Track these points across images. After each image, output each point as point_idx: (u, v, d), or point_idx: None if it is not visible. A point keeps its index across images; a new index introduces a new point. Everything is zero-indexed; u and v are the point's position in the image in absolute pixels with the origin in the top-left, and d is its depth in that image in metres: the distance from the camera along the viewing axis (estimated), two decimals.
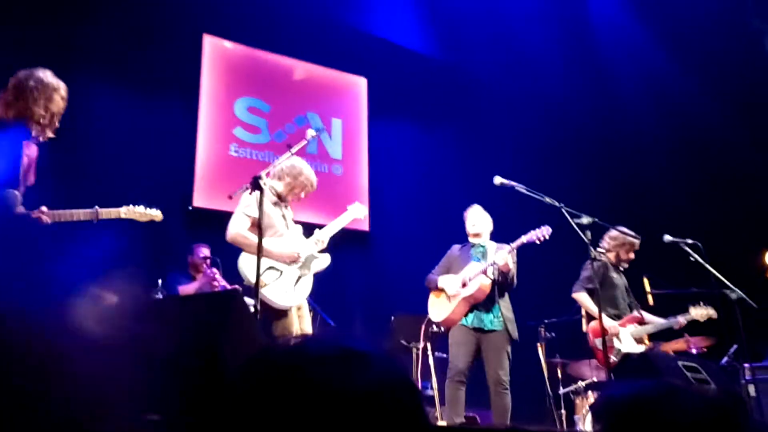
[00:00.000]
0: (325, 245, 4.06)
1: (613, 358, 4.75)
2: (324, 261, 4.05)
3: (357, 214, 4.40)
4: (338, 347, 0.64)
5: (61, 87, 3.38)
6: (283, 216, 4.03)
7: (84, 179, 5.82)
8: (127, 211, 3.59)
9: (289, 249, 3.89)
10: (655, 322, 5.02)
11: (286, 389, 0.59)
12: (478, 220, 4.81)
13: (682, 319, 4.99)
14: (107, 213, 3.47)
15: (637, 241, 5.12)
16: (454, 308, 4.50)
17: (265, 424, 0.59)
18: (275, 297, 3.74)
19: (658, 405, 0.80)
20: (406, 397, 0.63)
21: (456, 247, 4.87)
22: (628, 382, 0.87)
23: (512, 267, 4.49)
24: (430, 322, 4.91)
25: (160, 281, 4.77)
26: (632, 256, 5.17)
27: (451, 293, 4.53)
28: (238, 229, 3.82)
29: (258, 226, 3.31)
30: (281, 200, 4.06)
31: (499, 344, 4.41)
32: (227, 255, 5.69)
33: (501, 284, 4.51)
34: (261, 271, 3.68)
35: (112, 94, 6.30)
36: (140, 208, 3.66)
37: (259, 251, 3.26)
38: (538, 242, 4.48)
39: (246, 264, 3.79)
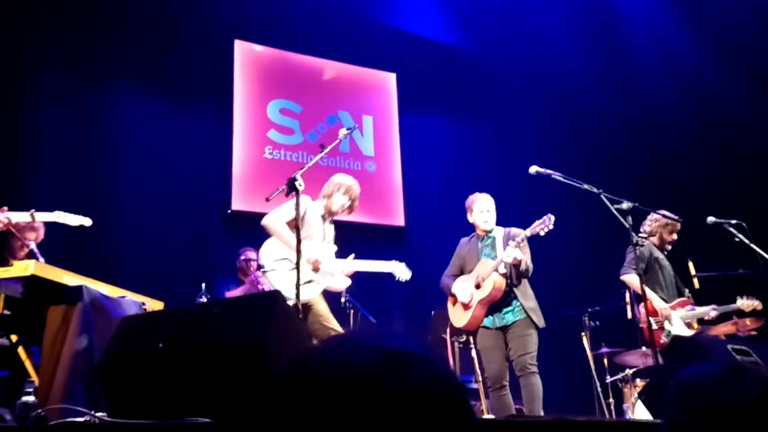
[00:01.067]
0: (350, 273, 4.18)
1: (663, 339, 4.67)
2: (340, 283, 4.16)
3: (396, 271, 4.44)
4: (383, 347, 0.63)
5: None
6: (324, 231, 4.19)
7: (123, 187, 5.96)
8: (59, 216, 3.79)
9: (312, 253, 4.02)
10: (696, 309, 4.91)
11: (331, 392, 0.59)
12: (491, 215, 4.52)
13: (713, 312, 4.87)
14: (43, 216, 3.68)
15: (678, 223, 5.00)
16: (473, 312, 4.34)
17: (312, 427, 0.59)
18: (277, 284, 3.89)
19: (725, 386, 0.79)
20: (453, 396, 0.62)
21: (464, 242, 4.68)
22: (696, 365, 0.86)
23: (522, 257, 4.23)
24: (453, 326, 4.82)
25: (203, 285, 4.85)
26: (675, 237, 5.05)
27: (465, 301, 4.37)
28: (276, 218, 3.99)
29: (296, 228, 3.35)
30: (328, 215, 4.24)
31: (522, 330, 4.23)
32: None
33: (516, 276, 4.33)
34: (276, 258, 3.94)
35: (148, 104, 6.44)
36: (71, 215, 3.87)
37: (299, 255, 3.31)
38: (542, 233, 4.23)
39: (266, 249, 3.97)
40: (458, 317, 4.51)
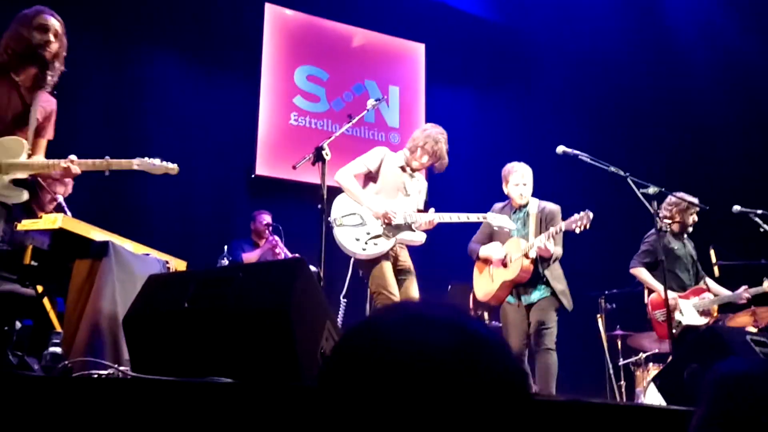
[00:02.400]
0: (431, 226, 4.03)
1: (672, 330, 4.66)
2: (416, 237, 4.02)
3: (493, 221, 4.18)
4: (460, 328, 0.63)
5: (35, 18, 3.11)
6: (404, 183, 4.05)
7: (151, 147, 5.99)
8: (140, 163, 3.41)
9: (381, 207, 3.91)
10: (721, 294, 4.87)
11: (402, 370, 0.59)
12: (527, 189, 4.39)
13: (745, 294, 4.82)
14: (118, 164, 3.34)
15: (696, 206, 4.92)
16: (497, 289, 4.29)
17: (373, 406, 0.58)
18: (344, 240, 3.82)
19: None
20: (520, 385, 0.62)
21: (496, 209, 4.53)
22: (733, 361, 0.86)
23: (552, 249, 4.17)
24: (475, 297, 4.79)
25: (225, 247, 4.92)
26: (695, 218, 4.98)
27: (501, 257, 4.27)
28: (345, 172, 3.95)
29: (321, 197, 3.38)
30: (408, 167, 4.10)
31: (545, 307, 4.19)
32: (288, 222, 5.82)
33: (546, 260, 4.25)
34: (345, 213, 3.88)
35: (177, 65, 6.45)
36: (155, 161, 3.45)
37: (323, 205, 3.34)
38: (578, 231, 4.10)
39: (337, 203, 3.91)
40: (482, 289, 4.44)
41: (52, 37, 3.16)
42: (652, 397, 4.64)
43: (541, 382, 4.10)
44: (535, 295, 4.25)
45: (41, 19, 3.15)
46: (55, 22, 3.19)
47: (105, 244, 3.28)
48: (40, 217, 3.42)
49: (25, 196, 3.18)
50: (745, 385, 0.81)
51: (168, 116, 6.20)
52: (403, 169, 4.07)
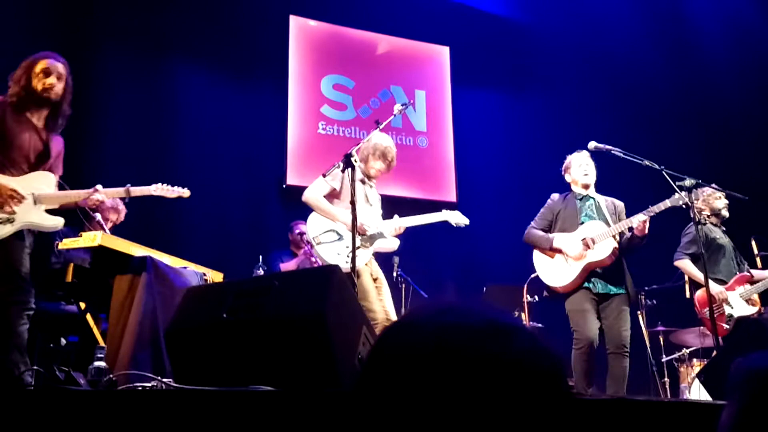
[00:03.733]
0: (400, 231, 4.06)
1: (725, 326, 4.53)
2: (390, 244, 4.05)
3: (451, 219, 4.31)
4: (490, 316, 0.64)
5: (38, 62, 3.30)
6: (366, 194, 4.08)
7: (183, 162, 6.11)
8: (156, 188, 3.65)
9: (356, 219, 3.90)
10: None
11: (436, 355, 0.60)
12: (590, 168, 4.30)
13: None
14: (139, 191, 3.57)
15: (723, 191, 4.79)
16: (579, 273, 4.08)
17: (412, 388, 0.60)
18: (326, 256, 3.83)
19: None
20: (554, 370, 0.63)
21: (557, 199, 4.37)
22: (765, 354, 0.83)
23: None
24: (533, 283, 4.61)
25: (261, 258, 4.96)
26: (726, 201, 4.86)
27: (574, 255, 4.10)
28: (314, 192, 3.94)
29: (351, 203, 3.39)
30: (368, 178, 4.13)
31: (622, 305, 4.06)
32: None
33: (627, 247, 4.14)
34: (322, 231, 3.89)
35: (206, 79, 6.56)
36: (169, 187, 3.72)
37: (354, 228, 3.35)
38: (684, 207, 3.94)
39: (312, 222, 3.93)
40: (556, 276, 4.19)
41: (55, 80, 3.30)
42: (697, 393, 4.55)
43: (616, 385, 3.97)
44: (612, 288, 4.10)
45: (44, 63, 3.30)
46: (58, 65, 3.33)
47: (144, 260, 3.35)
48: (80, 236, 3.51)
49: (61, 223, 3.31)
50: None
51: (198, 131, 6.31)
52: (362, 181, 4.08)
